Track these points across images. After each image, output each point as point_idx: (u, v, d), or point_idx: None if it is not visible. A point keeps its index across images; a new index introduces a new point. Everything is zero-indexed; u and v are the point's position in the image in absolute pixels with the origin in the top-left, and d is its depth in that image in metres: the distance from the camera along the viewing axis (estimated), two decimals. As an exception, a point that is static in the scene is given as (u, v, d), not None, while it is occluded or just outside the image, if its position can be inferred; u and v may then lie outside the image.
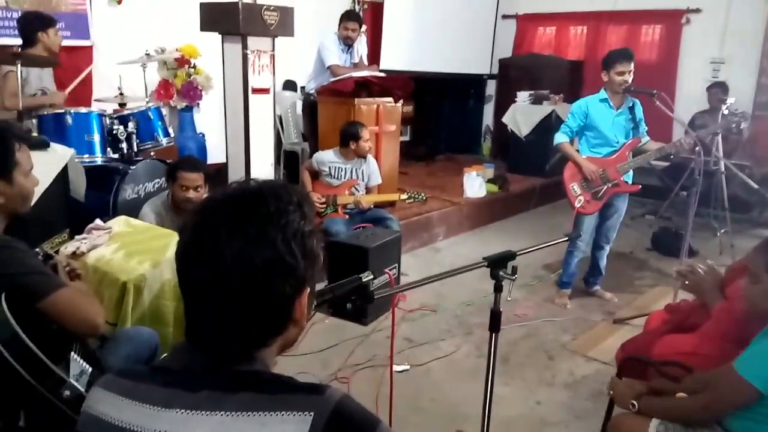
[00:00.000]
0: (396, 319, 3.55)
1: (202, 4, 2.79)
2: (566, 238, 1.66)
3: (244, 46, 2.72)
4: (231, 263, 0.79)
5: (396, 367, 3.02)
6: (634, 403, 1.70)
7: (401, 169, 5.72)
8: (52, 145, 2.90)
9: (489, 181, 5.81)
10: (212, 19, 2.78)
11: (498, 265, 1.47)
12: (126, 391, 0.84)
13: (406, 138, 7.17)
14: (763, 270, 1.49)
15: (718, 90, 5.64)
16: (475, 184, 5.53)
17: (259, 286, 0.81)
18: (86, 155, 3.42)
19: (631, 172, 3.70)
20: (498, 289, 1.49)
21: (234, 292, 0.80)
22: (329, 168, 4.18)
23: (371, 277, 1.19)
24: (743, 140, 5.62)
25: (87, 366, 1.63)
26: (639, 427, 1.65)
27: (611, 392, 1.82)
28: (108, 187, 3.40)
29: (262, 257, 0.80)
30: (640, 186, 3.77)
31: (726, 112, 4.95)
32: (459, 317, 3.63)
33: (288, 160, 5.59)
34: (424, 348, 3.25)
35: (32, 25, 3.57)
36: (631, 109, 3.62)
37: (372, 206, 4.21)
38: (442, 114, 7.79)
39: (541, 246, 1.62)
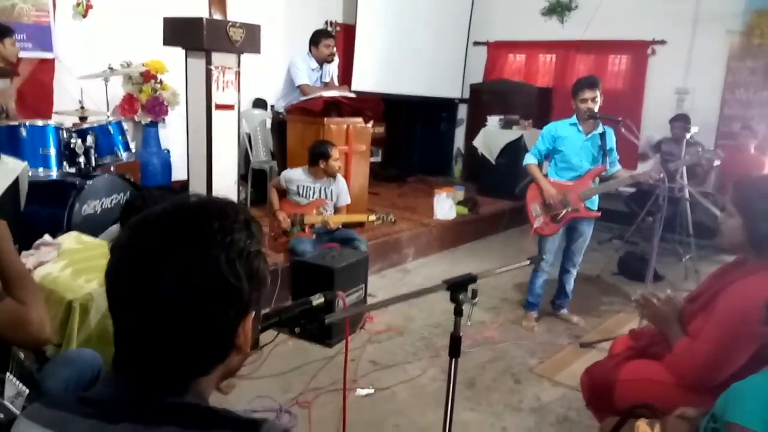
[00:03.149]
0: (362, 341, 3.49)
1: (165, 19, 2.73)
2: (528, 262, 1.62)
3: (208, 62, 2.66)
4: (168, 285, 0.72)
5: (360, 391, 2.95)
6: None
7: (372, 190, 5.69)
8: (4, 157, 2.77)
9: (459, 203, 5.81)
10: (176, 34, 2.72)
11: (458, 288, 1.42)
12: (49, 422, 0.79)
13: (378, 159, 7.16)
14: None
15: (680, 123, 5.75)
16: (446, 205, 5.53)
17: (199, 310, 0.74)
18: (41, 169, 3.30)
19: (595, 198, 3.72)
20: (458, 312, 1.44)
21: (171, 317, 0.73)
22: (297, 187, 4.11)
23: (322, 300, 1.13)
24: (710, 170, 5.73)
25: (24, 388, 1.54)
26: None
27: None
28: (63, 202, 3.26)
29: (202, 278, 0.74)
30: (600, 212, 3.79)
31: (692, 140, 5.06)
32: (426, 339, 3.57)
33: (256, 178, 5.51)
34: (389, 371, 3.17)
35: None
36: (602, 136, 3.64)
37: (340, 226, 4.15)
38: (414, 136, 7.82)
39: (503, 270, 1.58)
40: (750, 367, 1.62)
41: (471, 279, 1.44)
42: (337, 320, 1.18)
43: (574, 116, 3.67)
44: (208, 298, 0.74)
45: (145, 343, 0.75)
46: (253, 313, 0.81)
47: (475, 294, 1.42)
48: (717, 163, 4.58)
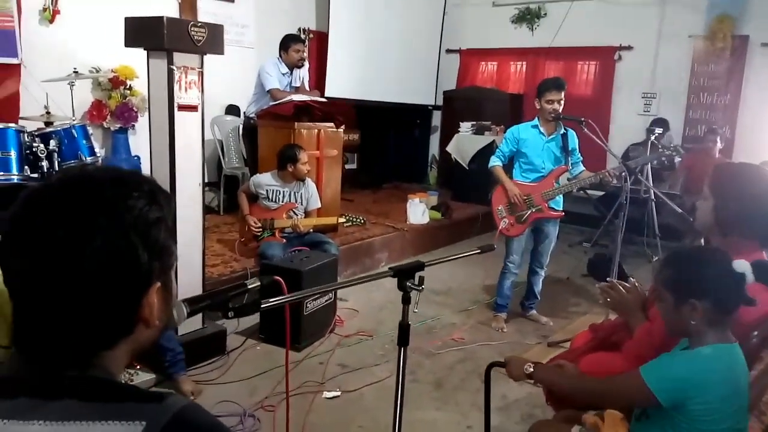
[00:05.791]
0: (331, 345, 3.47)
1: (126, 19, 2.71)
2: (479, 251, 1.64)
3: (170, 62, 2.65)
4: (54, 254, 0.71)
5: (327, 393, 2.94)
6: (530, 365, 1.69)
7: (347, 197, 5.70)
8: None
9: (432, 208, 5.84)
10: (137, 35, 2.70)
11: (405, 275, 1.42)
12: None
13: (353, 166, 7.18)
14: (663, 287, 1.50)
15: (657, 126, 5.82)
16: (419, 210, 5.55)
17: (91, 282, 0.72)
18: (1, 172, 3.24)
19: (560, 199, 3.77)
20: (406, 300, 1.44)
21: (60, 288, 0.72)
22: (267, 191, 4.10)
23: (257, 284, 1.12)
24: (676, 172, 5.83)
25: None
26: None
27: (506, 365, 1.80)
28: (24, 206, 3.20)
29: (90, 247, 0.71)
30: (564, 213, 3.84)
31: (655, 142, 5.15)
32: (395, 342, 3.55)
33: (228, 184, 5.48)
34: (357, 374, 3.17)
35: None
36: (564, 137, 3.71)
37: (311, 230, 4.13)
38: (389, 143, 7.86)
39: (453, 257, 1.59)
40: None
41: (419, 266, 1.44)
42: (276, 306, 1.17)
43: (536, 118, 3.74)
44: (99, 269, 0.72)
45: (40, 317, 0.73)
46: (159, 284, 0.79)
47: (422, 281, 1.42)
48: (678, 160, 4.63)
